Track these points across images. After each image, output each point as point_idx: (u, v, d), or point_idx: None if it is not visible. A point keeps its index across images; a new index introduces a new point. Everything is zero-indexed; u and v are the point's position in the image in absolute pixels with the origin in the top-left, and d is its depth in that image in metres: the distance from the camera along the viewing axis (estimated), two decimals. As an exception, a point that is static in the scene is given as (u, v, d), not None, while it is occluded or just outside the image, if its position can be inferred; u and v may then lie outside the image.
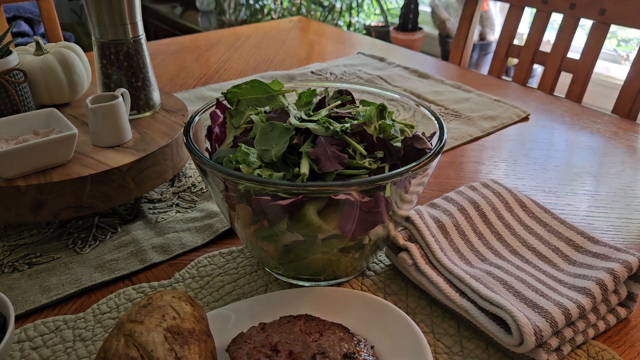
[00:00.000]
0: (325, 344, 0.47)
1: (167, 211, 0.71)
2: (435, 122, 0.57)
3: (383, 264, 0.62)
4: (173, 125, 0.73)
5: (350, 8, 2.83)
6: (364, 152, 0.52)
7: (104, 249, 0.64)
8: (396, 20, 3.01)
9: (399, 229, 0.59)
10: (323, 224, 0.50)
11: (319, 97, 0.63)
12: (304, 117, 0.56)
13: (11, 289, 0.58)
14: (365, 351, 0.46)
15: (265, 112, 0.58)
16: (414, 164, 0.48)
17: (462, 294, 0.53)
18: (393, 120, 0.57)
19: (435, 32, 2.90)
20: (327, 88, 0.65)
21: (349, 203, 0.49)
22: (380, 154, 0.54)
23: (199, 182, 0.77)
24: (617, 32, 2.76)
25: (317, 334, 0.48)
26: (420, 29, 2.81)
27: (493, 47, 2.58)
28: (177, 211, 0.71)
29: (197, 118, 0.57)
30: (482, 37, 2.52)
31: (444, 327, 0.53)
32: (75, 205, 0.62)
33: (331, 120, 0.53)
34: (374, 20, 3.08)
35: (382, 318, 0.51)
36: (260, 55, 1.35)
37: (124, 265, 0.61)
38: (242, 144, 0.52)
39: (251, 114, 0.59)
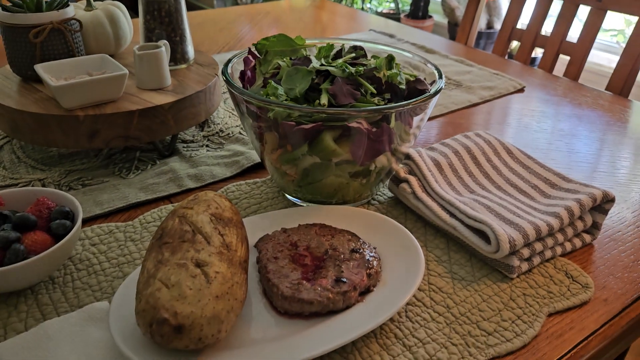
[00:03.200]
0: (336, 242, 0.57)
1: (198, 149, 0.81)
2: (434, 69, 0.67)
3: (386, 196, 0.72)
4: (206, 76, 0.83)
5: (363, -5, 2.92)
6: (374, 91, 0.62)
7: (146, 175, 0.74)
8: (407, 8, 3.09)
9: (401, 165, 0.69)
10: (337, 148, 0.59)
11: (335, 51, 0.73)
12: (324, 63, 0.66)
13: (70, 201, 0.68)
14: (369, 249, 0.56)
15: (290, 59, 0.68)
16: (415, 98, 0.58)
17: (452, 215, 0.63)
18: (399, 71, 0.67)
19: (444, 20, 2.98)
20: (343, 44, 0.75)
21: (359, 131, 0.59)
22: (387, 96, 0.64)
23: (226, 128, 0.87)
24: (624, 30, 2.83)
25: (329, 236, 0.58)
26: (430, 17, 2.89)
27: (500, 36, 2.66)
28: (208, 150, 0.81)
29: (234, 59, 0.67)
30: (489, 25, 2.61)
31: (435, 242, 0.63)
32: (124, 136, 0.72)
33: (347, 65, 0.63)
34: (386, 8, 3.17)
35: (382, 228, 0.61)
36: (279, 29, 1.44)
37: (164, 188, 0.72)
38: (271, 81, 0.62)
39: (278, 61, 0.69)
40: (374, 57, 0.72)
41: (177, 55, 0.84)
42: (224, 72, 0.64)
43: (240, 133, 0.86)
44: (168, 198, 0.71)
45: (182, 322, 0.43)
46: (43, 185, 0.71)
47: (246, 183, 0.73)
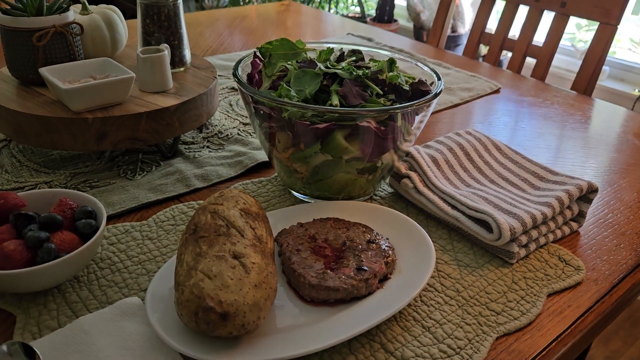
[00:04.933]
0: (352, 234, 0.60)
1: (200, 150, 0.83)
2: (432, 73, 0.71)
3: (386, 191, 0.76)
4: (205, 79, 0.85)
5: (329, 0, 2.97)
6: (380, 92, 0.66)
7: (152, 177, 0.76)
8: (372, 12, 3.16)
9: (401, 162, 0.73)
10: (349, 146, 0.63)
11: (335, 55, 0.77)
12: (329, 66, 0.69)
13: (80, 203, 0.69)
14: (383, 240, 0.60)
15: (297, 62, 0.71)
16: (422, 99, 0.62)
17: (453, 207, 0.67)
18: (399, 73, 0.71)
19: (408, 24, 3.07)
20: (341, 48, 0.78)
21: (368, 130, 0.63)
22: (391, 97, 0.68)
23: (224, 130, 0.89)
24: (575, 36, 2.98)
25: (344, 228, 0.61)
26: (396, 20, 2.97)
27: (463, 39, 2.76)
28: (209, 151, 0.83)
29: (241, 63, 0.70)
30: (453, 29, 2.70)
31: (438, 233, 0.68)
32: (131, 138, 0.73)
33: (353, 67, 0.67)
34: (351, 12, 3.23)
35: (390, 221, 0.64)
36: (259, 32, 1.47)
37: (172, 188, 0.73)
38: (283, 83, 0.65)
39: (283, 65, 0.72)
40: (372, 60, 0.76)
41: (176, 59, 0.86)
42: (235, 75, 0.67)
43: (238, 134, 0.89)
44: (177, 198, 0.73)
45: (227, 310, 0.45)
46: (49, 188, 0.72)
47: (252, 182, 0.76)
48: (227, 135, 0.88)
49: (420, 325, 0.54)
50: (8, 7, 0.76)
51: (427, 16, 2.73)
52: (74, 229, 0.56)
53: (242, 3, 3.05)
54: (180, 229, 0.66)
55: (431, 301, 0.57)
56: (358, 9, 3.22)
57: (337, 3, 3.05)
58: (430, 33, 1.68)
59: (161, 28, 0.84)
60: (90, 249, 0.54)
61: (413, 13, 2.75)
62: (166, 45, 0.81)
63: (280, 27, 1.54)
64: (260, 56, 0.74)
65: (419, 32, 2.84)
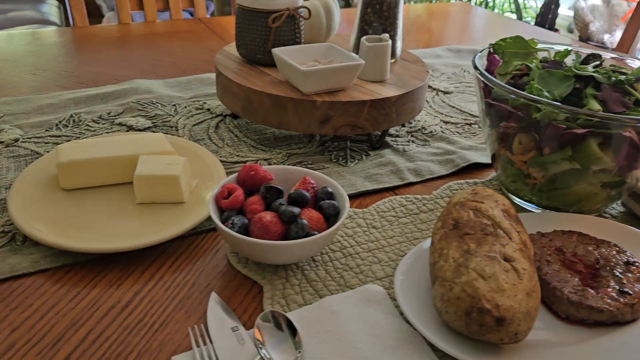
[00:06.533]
0: (604, 253, 0.55)
1: (408, 144, 0.81)
2: (698, 86, 0.64)
3: (616, 210, 0.69)
4: (418, 72, 0.83)
5: (486, 4, 2.86)
6: (644, 101, 0.60)
7: (365, 165, 0.75)
8: (528, 19, 3.01)
9: (642, 180, 0.67)
10: (604, 156, 0.58)
11: (570, 58, 0.72)
12: (578, 68, 0.64)
13: (301, 183, 0.70)
14: (641, 263, 0.54)
15: (540, 61, 0.67)
16: (703, 112, 0.55)
17: None
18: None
19: (569, 35, 2.88)
20: (577, 51, 0.73)
21: (626, 141, 0.57)
22: (651, 107, 0.61)
23: (428, 126, 0.87)
24: None
25: (593, 245, 0.56)
26: (557, 30, 2.80)
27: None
28: (416, 145, 0.81)
29: (477, 58, 0.67)
30: (622, 44, 2.49)
31: (690, 264, 0.60)
32: (352, 124, 0.73)
33: (613, 72, 0.61)
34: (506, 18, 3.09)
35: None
36: (434, 31, 1.44)
37: (387, 179, 0.72)
38: (533, 82, 0.61)
39: (519, 63, 0.68)
40: (612, 66, 0.70)
41: (389, 50, 0.85)
42: (476, 68, 0.64)
43: (442, 132, 0.86)
44: (392, 189, 0.72)
45: (504, 315, 0.42)
46: (269, 165, 0.74)
47: (466, 182, 0.73)
48: (431, 131, 0.86)
49: (692, 365, 0.48)
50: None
51: (597, 27, 2.54)
52: (318, 208, 0.57)
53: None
54: (403, 222, 0.64)
55: (699, 340, 0.50)
56: (514, 16, 3.08)
57: (492, 8, 2.94)
58: (617, 45, 1.55)
59: (381, 18, 0.83)
60: (336, 230, 0.54)
61: (580, 23, 2.57)
62: (387, 35, 0.80)
63: (455, 26, 1.50)
64: (495, 53, 0.71)
65: (585, 42, 2.65)
